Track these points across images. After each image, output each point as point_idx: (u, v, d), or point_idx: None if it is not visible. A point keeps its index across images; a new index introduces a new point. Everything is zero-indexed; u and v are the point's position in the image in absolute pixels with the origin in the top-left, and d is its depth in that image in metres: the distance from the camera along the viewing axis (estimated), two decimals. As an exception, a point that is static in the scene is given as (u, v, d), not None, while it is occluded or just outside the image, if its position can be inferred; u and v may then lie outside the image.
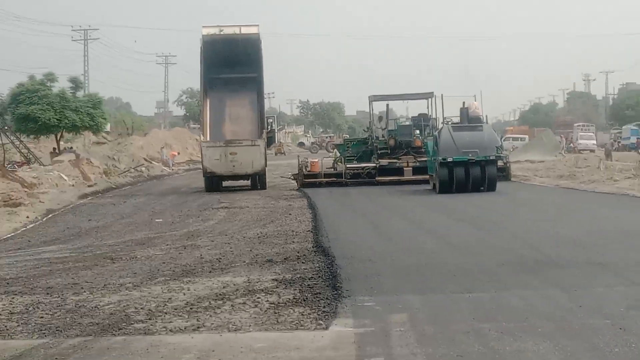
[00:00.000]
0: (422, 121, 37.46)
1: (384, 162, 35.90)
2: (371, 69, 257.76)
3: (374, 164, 35.88)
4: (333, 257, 13.83)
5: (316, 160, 38.65)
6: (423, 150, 34.01)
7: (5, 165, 42.20)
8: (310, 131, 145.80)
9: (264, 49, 35.25)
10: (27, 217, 24.43)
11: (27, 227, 22.57)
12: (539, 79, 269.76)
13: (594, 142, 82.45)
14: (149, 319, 9.78)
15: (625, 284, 11.07)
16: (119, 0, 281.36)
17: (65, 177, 37.61)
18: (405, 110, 41.83)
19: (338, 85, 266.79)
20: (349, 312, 9.79)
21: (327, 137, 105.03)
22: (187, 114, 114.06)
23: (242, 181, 35.18)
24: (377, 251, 14.87)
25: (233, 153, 33.25)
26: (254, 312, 9.93)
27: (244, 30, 35.61)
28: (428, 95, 37.58)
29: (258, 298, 10.71)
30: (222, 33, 35.52)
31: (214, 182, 34.21)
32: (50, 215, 25.56)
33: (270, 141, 37.24)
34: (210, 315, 9.84)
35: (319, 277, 12.08)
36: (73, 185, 36.15)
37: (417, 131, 36.86)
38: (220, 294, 11.07)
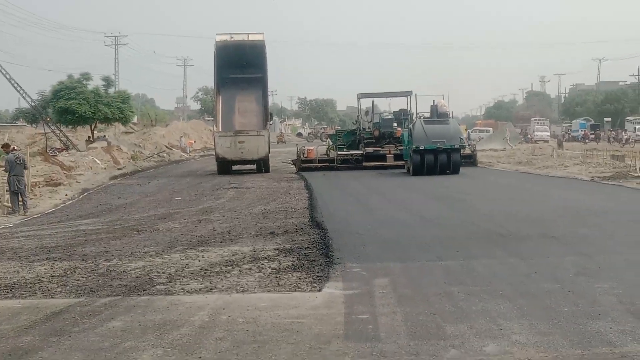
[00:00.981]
0: (402, 115, 37.42)
1: (370, 150, 35.99)
2: (359, 70, 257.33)
3: (361, 152, 35.96)
4: (326, 230, 13.84)
5: (312, 148, 38.64)
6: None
7: (47, 151, 42.08)
8: (307, 123, 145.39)
9: (268, 53, 35.21)
10: (66, 195, 24.40)
11: (66, 203, 22.53)
12: (502, 80, 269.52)
13: (548, 133, 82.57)
14: (169, 282, 9.77)
15: (574, 254, 11.07)
16: (146, 12, 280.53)
17: (98, 162, 37.53)
18: (388, 106, 41.64)
19: (331, 84, 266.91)
20: (339, 277, 9.80)
21: (321, 129, 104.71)
22: (203, 108, 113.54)
23: (249, 165, 35.16)
24: (363, 225, 14.85)
25: (241, 141, 33.26)
26: (259, 277, 9.92)
27: (252, 38, 35.50)
28: (407, 93, 37.51)
29: (262, 264, 10.70)
30: (232, 39, 35.40)
31: (224, 166, 34.23)
32: (85, 194, 25.51)
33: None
34: (221, 279, 9.84)
35: (314, 247, 12.09)
36: (105, 169, 36.07)
37: (395, 124, 36.83)
38: (229, 261, 11.07)
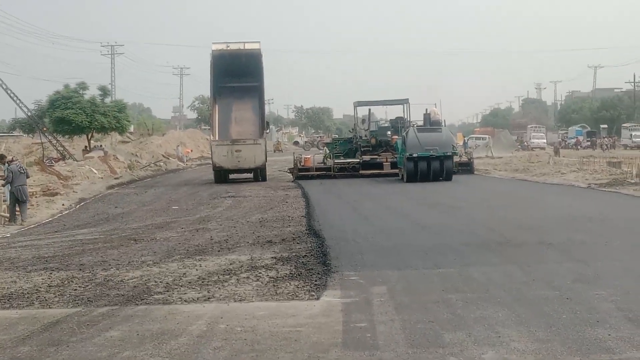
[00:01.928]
0: (398, 123, 37.49)
1: (367, 158, 36.02)
2: (355, 79, 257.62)
3: (358, 160, 36.01)
4: (323, 239, 13.83)
5: (309, 156, 38.68)
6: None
7: (44, 161, 42.05)
8: (304, 132, 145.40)
9: (264, 62, 35.28)
10: (63, 204, 24.37)
11: (63, 213, 22.51)
12: (498, 87, 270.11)
13: (544, 141, 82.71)
14: (167, 291, 9.75)
15: (571, 260, 11.08)
16: (142, 21, 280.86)
17: (95, 171, 37.51)
18: (385, 114, 41.58)
19: (327, 93, 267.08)
20: (337, 285, 9.79)
21: (318, 137, 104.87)
22: (199, 117, 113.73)
23: (245, 174, 35.13)
24: (360, 233, 14.84)
25: (238, 150, 33.26)
26: (256, 285, 9.90)
27: (248, 46, 35.53)
28: (404, 101, 37.63)
29: (259, 273, 10.68)
30: (228, 48, 35.43)
31: (222, 175, 34.22)
32: (82, 203, 25.49)
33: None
34: (219, 288, 9.82)
35: (312, 255, 12.07)
36: (102, 178, 36.04)
37: (389, 132, 36.89)
38: (227, 270, 11.05)
